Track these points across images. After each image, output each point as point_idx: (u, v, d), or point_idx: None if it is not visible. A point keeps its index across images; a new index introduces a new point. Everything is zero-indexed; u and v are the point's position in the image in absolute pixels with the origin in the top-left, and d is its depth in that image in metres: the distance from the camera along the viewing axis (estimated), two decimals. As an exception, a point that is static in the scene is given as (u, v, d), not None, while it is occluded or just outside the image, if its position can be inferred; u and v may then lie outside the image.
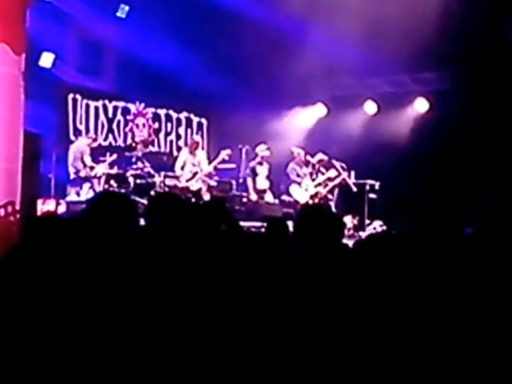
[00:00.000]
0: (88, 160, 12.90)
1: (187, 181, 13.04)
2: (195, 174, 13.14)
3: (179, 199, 4.45)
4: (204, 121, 16.90)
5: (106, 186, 12.72)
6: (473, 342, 3.60)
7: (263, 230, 10.55)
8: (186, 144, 16.02)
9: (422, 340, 3.60)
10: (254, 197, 13.45)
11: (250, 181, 13.56)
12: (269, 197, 13.61)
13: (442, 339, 3.59)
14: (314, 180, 13.56)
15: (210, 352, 3.57)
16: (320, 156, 13.68)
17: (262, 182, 13.57)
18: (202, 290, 3.68)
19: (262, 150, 13.60)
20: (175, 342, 3.57)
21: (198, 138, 14.34)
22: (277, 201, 13.65)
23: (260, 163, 13.59)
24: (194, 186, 13.07)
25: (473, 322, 3.63)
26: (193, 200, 12.80)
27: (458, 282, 3.82)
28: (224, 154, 13.29)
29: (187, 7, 14.06)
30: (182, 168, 13.24)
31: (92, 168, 12.85)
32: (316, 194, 13.41)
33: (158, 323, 3.59)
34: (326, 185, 13.52)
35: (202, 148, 13.81)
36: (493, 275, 3.80)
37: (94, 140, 13.49)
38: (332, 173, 13.50)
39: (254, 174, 13.54)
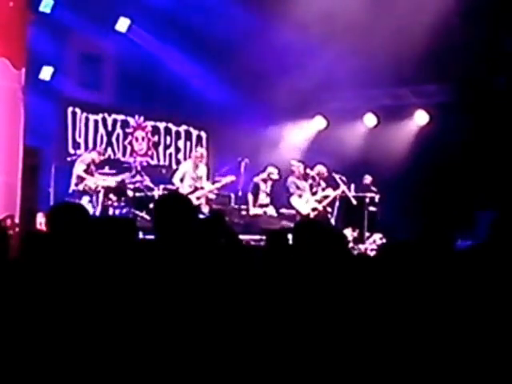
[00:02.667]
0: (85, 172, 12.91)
1: (188, 194, 13.02)
2: (196, 188, 13.09)
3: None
4: (203, 134, 16.89)
5: (105, 200, 12.69)
6: (478, 350, 3.59)
7: (262, 243, 10.60)
8: (185, 157, 16.04)
9: (428, 351, 3.58)
10: (254, 211, 13.39)
11: (250, 196, 13.49)
12: (271, 210, 13.54)
13: (448, 351, 3.58)
14: (314, 194, 13.55)
15: (206, 363, 3.56)
16: (319, 168, 13.67)
17: (264, 198, 13.51)
18: (201, 302, 3.66)
19: (272, 172, 13.52)
20: (174, 353, 3.55)
21: (203, 150, 14.23)
22: (275, 214, 13.61)
23: (264, 181, 13.52)
24: (195, 201, 13.04)
25: (474, 330, 3.62)
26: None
27: (457, 294, 3.81)
28: (228, 179, 13.21)
29: (187, 21, 14.08)
30: (181, 180, 13.21)
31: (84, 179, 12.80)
32: (317, 207, 13.39)
33: (155, 334, 3.58)
34: (325, 200, 13.53)
35: (205, 162, 13.75)
36: (494, 288, 3.79)
37: (102, 154, 13.45)
38: (330, 192, 13.50)
39: (257, 189, 13.47)
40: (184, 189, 13.03)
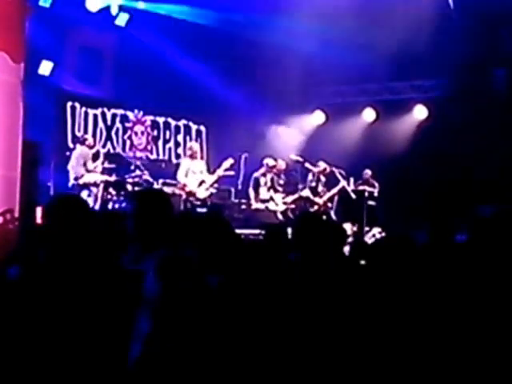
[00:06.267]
0: (90, 165, 12.90)
1: (196, 188, 13.01)
2: (202, 182, 13.06)
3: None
4: (203, 128, 16.90)
5: (105, 194, 12.69)
6: (473, 346, 3.60)
7: (261, 237, 10.59)
8: (184, 151, 16.09)
9: (426, 347, 3.59)
10: (255, 206, 13.37)
11: (251, 191, 13.45)
12: (272, 205, 13.49)
13: (446, 345, 3.59)
14: (313, 189, 13.56)
15: (206, 363, 3.56)
16: (320, 164, 13.66)
17: (265, 193, 13.46)
18: (201, 300, 3.66)
19: (268, 162, 13.49)
20: (178, 350, 3.55)
21: (195, 145, 14.13)
22: (277, 208, 13.58)
23: (264, 174, 13.49)
24: (202, 194, 13.02)
25: (470, 325, 3.63)
26: (198, 209, 12.81)
27: (456, 287, 3.82)
28: (227, 163, 13.19)
29: (185, 16, 14.09)
30: (186, 175, 13.17)
31: (90, 171, 12.78)
32: (286, 209, 13.45)
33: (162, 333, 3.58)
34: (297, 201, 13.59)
35: (202, 158, 13.71)
36: (490, 281, 3.80)
37: (91, 147, 13.44)
38: (305, 192, 13.50)
39: (257, 184, 13.45)
40: (190, 184, 13.00)
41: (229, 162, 13.19)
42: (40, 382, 3.49)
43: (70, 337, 3.52)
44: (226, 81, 15.05)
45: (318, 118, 16.30)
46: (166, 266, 3.57)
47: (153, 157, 15.79)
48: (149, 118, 16.10)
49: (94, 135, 14.86)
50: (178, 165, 13.94)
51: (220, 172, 13.18)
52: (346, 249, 6.53)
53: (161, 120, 16.36)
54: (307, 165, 13.69)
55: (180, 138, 16.65)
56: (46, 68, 13.65)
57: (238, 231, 10.03)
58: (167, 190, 13.36)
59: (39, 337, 3.51)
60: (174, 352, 3.47)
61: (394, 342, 3.64)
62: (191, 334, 3.51)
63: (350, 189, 13.71)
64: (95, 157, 13.15)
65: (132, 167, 13.39)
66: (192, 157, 13.33)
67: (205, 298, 3.63)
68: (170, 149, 16.47)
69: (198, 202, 12.93)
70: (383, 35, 12.58)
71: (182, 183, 13.08)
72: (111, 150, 15.22)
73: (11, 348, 3.51)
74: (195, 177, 13.11)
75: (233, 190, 14.13)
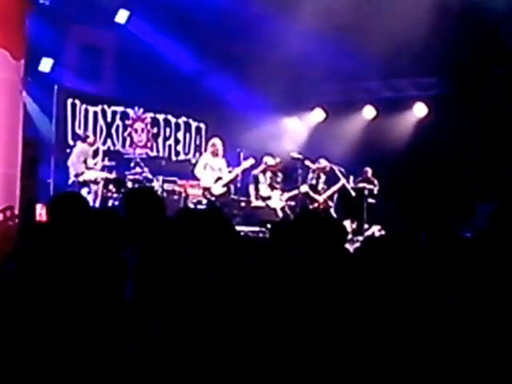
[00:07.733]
0: (91, 162, 12.90)
1: (212, 183, 13.00)
2: (219, 178, 13.05)
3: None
4: (202, 125, 16.92)
5: (105, 191, 12.71)
6: (475, 344, 3.60)
7: (261, 234, 10.60)
8: (184, 149, 16.09)
9: (427, 344, 3.59)
10: (255, 204, 13.37)
11: (251, 189, 13.47)
12: (272, 202, 13.49)
13: (447, 343, 3.59)
14: (312, 187, 13.55)
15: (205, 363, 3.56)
16: (320, 162, 13.66)
17: (265, 190, 13.47)
18: (201, 299, 3.66)
19: (267, 160, 13.48)
20: (178, 350, 3.55)
21: (218, 141, 13.88)
22: (277, 206, 13.59)
23: (263, 172, 13.49)
24: (217, 190, 13.00)
25: (472, 325, 3.63)
26: (198, 206, 12.82)
27: (457, 285, 3.82)
28: (247, 163, 13.17)
29: (186, 13, 14.07)
30: (204, 170, 13.17)
31: (90, 168, 12.78)
32: (284, 206, 13.47)
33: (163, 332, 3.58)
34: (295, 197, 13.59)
35: (223, 155, 13.65)
36: (492, 279, 3.81)
37: (91, 145, 13.44)
38: (304, 188, 13.50)
39: (257, 181, 13.46)
40: (206, 180, 12.99)
41: (249, 162, 13.17)
42: (38, 379, 3.50)
43: (70, 334, 3.52)
44: (226, 78, 15.05)
45: (317, 115, 16.30)
46: (144, 266, 3.57)
47: (153, 154, 15.81)
48: (149, 116, 16.12)
49: (94, 132, 14.88)
50: (177, 162, 13.96)
51: (239, 170, 13.19)
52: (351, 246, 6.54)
53: (161, 117, 16.37)
54: (307, 162, 13.68)
55: (180, 135, 16.67)
56: (46, 65, 13.65)
57: (237, 228, 10.08)
58: (167, 187, 13.39)
59: (39, 334, 3.51)
60: (169, 352, 3.47)
61: (394, 341, 3.64)
62: (185, 335, 3.51)
63: (349, 186, 13.72)
64: (95, 154, 13.15)
65: (132, 164, 13.41)
66: (213, 153, 13.30)
67: (200, 298, 3.62)
68: (170, 146, 16.49)
69: (213, 198, 12.93)
70: (383, 32, 12.57)
71: (198, 178, 13.10)
72: (111, 148, 15.24)
73: (10, 345, 3.51)
74: (212, 173, 13.08)
75: (232, 187, 14.14)
